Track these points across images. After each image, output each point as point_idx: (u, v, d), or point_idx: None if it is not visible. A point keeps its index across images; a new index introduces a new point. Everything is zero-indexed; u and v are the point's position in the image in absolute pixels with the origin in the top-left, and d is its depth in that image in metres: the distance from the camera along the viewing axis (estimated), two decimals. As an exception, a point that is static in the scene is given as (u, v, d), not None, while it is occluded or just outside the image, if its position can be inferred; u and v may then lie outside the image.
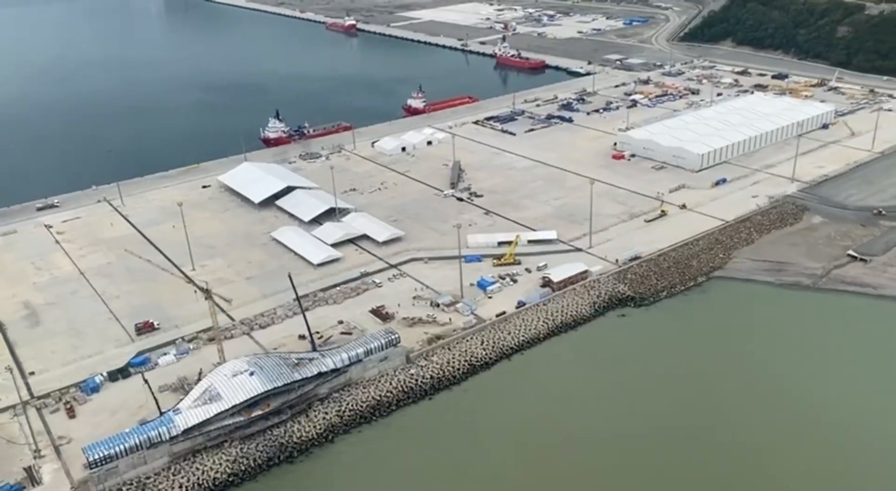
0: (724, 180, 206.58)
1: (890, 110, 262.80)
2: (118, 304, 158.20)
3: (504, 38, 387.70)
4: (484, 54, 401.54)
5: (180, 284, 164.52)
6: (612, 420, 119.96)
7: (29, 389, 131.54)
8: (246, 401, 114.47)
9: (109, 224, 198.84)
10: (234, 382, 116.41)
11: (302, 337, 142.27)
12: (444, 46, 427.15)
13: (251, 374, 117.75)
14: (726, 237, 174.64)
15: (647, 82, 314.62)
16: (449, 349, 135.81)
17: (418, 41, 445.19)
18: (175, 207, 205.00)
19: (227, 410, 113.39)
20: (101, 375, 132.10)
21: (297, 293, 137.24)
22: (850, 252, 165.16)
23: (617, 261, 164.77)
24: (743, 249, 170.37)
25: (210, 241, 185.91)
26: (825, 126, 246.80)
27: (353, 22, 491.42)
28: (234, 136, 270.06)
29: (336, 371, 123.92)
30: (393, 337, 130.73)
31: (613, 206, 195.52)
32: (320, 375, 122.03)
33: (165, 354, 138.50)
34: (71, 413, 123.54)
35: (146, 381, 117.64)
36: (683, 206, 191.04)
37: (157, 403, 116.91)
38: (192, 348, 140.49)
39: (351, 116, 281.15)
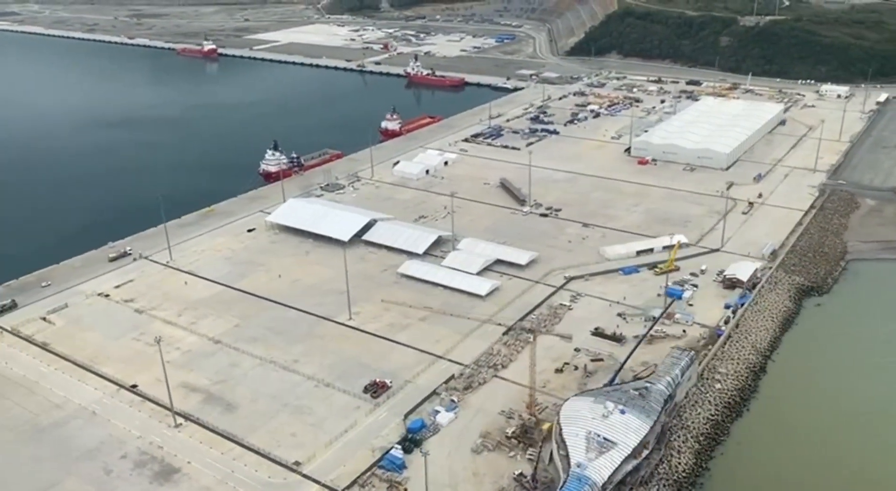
0: (760, 175, 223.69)
1: (813, 106, 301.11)
2: (309, 368, 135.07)
3: (416, 57, 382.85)
4: (388, 74, 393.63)
5: (355, 336, 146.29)
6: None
7: (317, 481, 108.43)
8: (640, 442, 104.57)
9: (184, 283, 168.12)
10: (612, 424, 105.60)
11: (559, 371, 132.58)
12: (336, 68, 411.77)
13: (622, 411, 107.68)
14: (824, 224, 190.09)
15: (584, 94, 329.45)
16: (721, 360, 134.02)
17: (301, 64, 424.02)
18: (246, 256, 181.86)
19: (628, 456, 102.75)
20: (396, 448, 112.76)
21: (651, 328, 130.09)
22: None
23: (764, 255, 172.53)
24: (846, 234, 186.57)
25: (331, 287, 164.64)
26: (783, 123, 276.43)
27: (213, 46, 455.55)
28: (210, 171, 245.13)
29: (671, 397, 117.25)
30: (691, 354, 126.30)
31: (693, 207, 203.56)
32: (665, 402, 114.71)
33: (437, 412, 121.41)
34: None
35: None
36: (759, 196, 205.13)
37: (535, 466, 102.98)
38: (456, 401, 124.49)
39: (318, 143, 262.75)
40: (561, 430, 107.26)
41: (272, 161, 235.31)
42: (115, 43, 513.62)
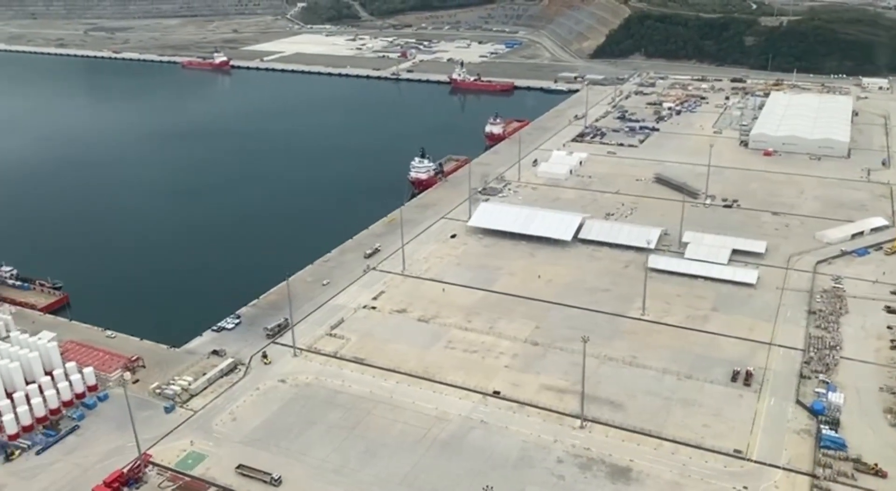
0: (885, 160, 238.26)
1: (866, 98, 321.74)
2: (653, 362, 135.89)
3: (462, 64, 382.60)
4: (428, 81, 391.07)
5: (664, 330, 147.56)
6: None
7: (777, 466, 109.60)
8: None
9: (441, 290, 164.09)
10: None
11: (894, 347, 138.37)
12: (367, 77, 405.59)
13: None
14: None
15: (644, 93, 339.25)
16: None
17: (328, 74, 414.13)
18: (475, 261, 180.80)
19: None
20: (825, 428, 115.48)
21: None
22: None
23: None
24: None
25: (590, 284, 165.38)
26: (856, 113, 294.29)
27: (225, 58, 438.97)
28: (346, 182, 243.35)
29: None
30: None
31: (855, 193, 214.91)
32: None
33: (823, 393, 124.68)
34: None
35: None
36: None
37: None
38: (830, 382, 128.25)
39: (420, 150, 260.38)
40: None
41: (422, 168, 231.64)
42: (103, 58, 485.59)
